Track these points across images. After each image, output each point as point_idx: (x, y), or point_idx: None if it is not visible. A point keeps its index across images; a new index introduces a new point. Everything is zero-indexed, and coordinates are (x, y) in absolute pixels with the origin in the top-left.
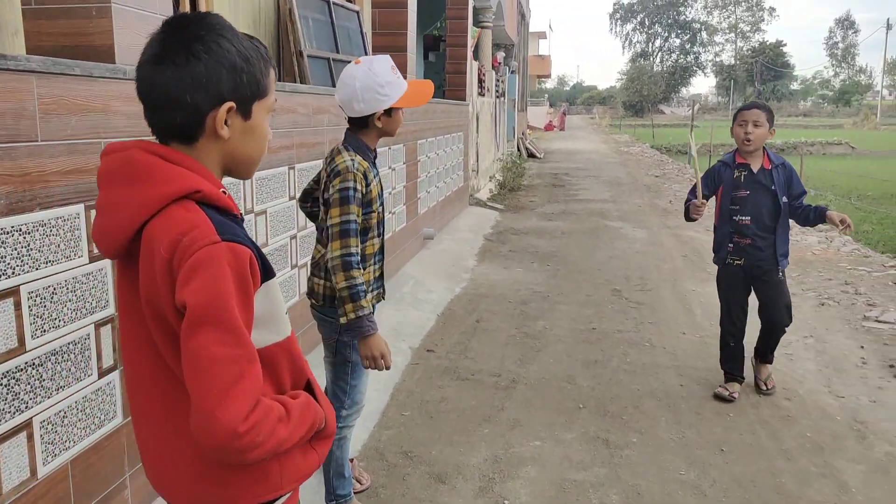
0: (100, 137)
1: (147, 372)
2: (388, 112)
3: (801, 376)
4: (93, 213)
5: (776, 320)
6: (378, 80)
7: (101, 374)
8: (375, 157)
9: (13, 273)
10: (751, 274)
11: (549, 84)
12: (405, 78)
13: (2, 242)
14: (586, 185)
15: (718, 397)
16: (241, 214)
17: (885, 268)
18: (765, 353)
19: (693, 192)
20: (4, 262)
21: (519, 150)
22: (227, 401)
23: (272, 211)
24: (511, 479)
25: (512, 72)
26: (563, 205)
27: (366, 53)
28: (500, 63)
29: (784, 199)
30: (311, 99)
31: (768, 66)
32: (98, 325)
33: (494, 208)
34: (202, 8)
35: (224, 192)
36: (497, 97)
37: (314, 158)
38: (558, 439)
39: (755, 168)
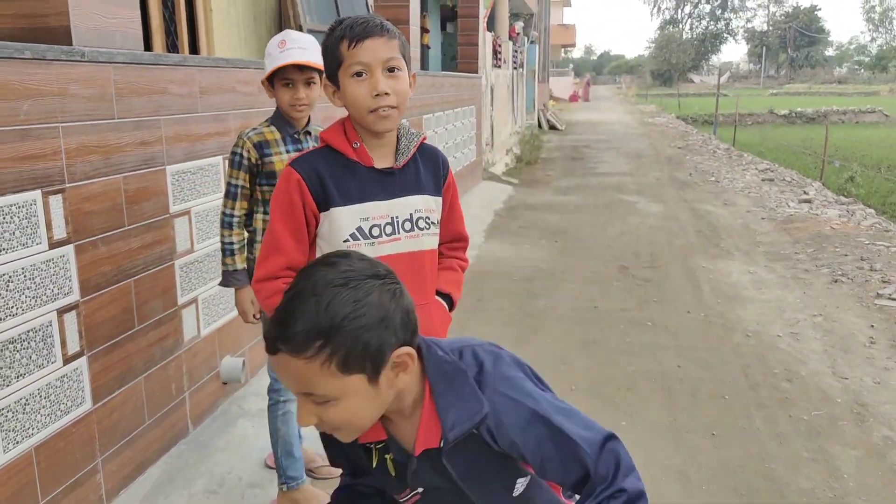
0: (57, 122)
1: None
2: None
3: (804, 357)
4: (52, 198)
5: None
6: (267, 49)
7: (67, 361)
8: (305, 133)
9: None
10: None
11: (575, 54)
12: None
13: None
14: (606, 157)
15: None
16: (352, 155)
17: None
18: None
19: None
20: None
21: (539, 122)
22: (257, 267)
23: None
24: None
25: (531, 42)
26: (579, 178)
27: None
28: (518, 33)
29: None
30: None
31: (802, 31)
32: (61, 311)
33: (509, 183)
34: None
35: (354, 145)
36: (515, 69)
37: None
38: None
39: None
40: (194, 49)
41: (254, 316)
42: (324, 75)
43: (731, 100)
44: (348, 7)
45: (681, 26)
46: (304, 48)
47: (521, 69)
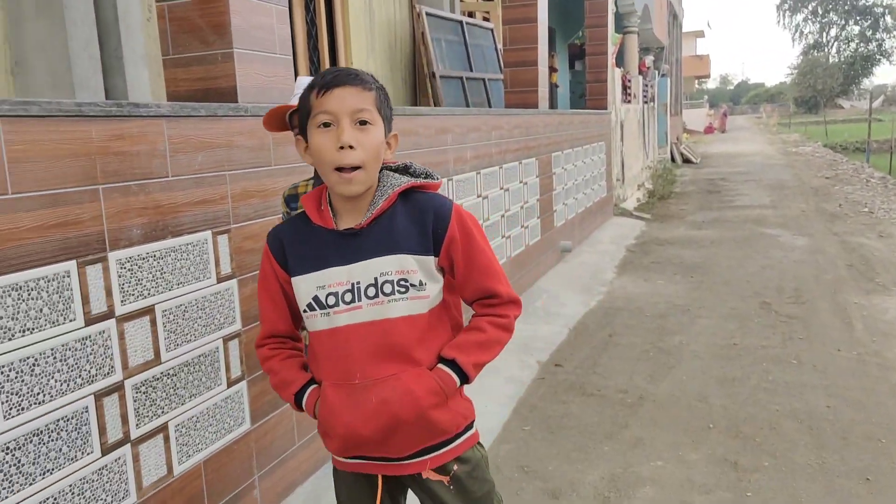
0: (224, 170)
1: None
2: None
3: None
4: (219, 238)
5: None
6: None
7: (230, 384)
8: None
9: (148, 294)
10: None
11: (710, 84)
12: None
13: (138, 267)
14: (745, 190)
15: None
16: (316, 221)
17: None
18: None
19: None
20: (141, 284)
21: (672, 156)
22: None
23: None
24: (627, 498)
25: (662, 75)
26: (715, 212)
27: (500, 70)
28: (648, 67)
29: None
30: (433, 120)
31: None
32: (226, 339)
33: (641, 218)
34: (340, 38)
35: (321, 207)
36: (645, 103)
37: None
38: (682, 460)
39: None
40: None
41: None
42: (296, 129)
43: (886, 125)
44: (479, 54)
45: (826, 50)
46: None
47: (651, 103)
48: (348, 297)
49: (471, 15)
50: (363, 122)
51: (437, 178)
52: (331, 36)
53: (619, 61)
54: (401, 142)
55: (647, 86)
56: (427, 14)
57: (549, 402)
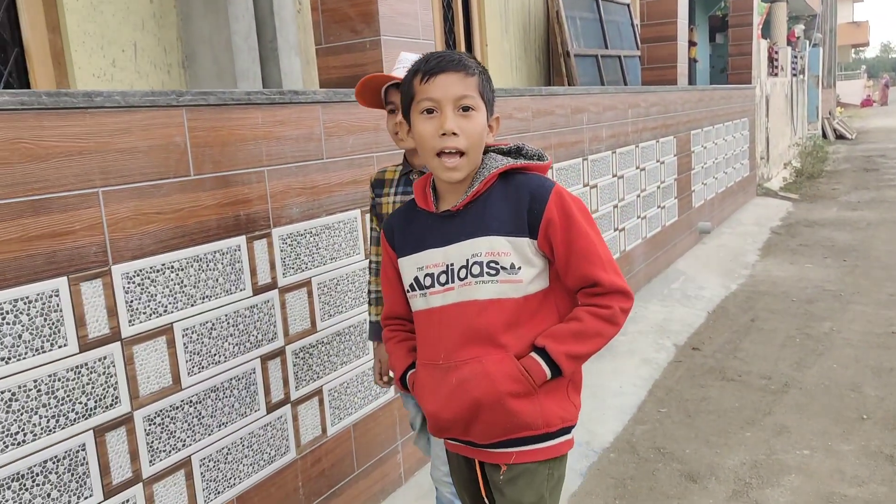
0: (371, 152)
1: None
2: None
3: None
4: (366, 215)
5: None
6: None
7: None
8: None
9: (306, 267)
10: None
11: (869, 53)
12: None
13: (297, 243)
14: None
15: None
16: (420, 205)
17: None
18: None
19: None
20: (300, 258)
21: (824, 132)
22: None
23: None
24: (770, 486)
25: (814, 45)
26: (872, 192)
27: (637, 46)
28: (797, 37)
29: None
30: (569, 100)
31: None
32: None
33: (787, 198)
34: (475, 24)
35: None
36: (794, 75)
37: (574, 157)
38: (831, 450)
39: None
40: None
41: (381, 378)
42: (390, 106)
43: None
44: (614, 30)
45: None
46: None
47: (801, 75)
48: (443, 278)
49: None
50: (466, 109)
51: (546, 160)
52: (466, 18)
53: (766, 32)
54: (536, 122)
55: (796, 57)
56: None
57: (686, 385)
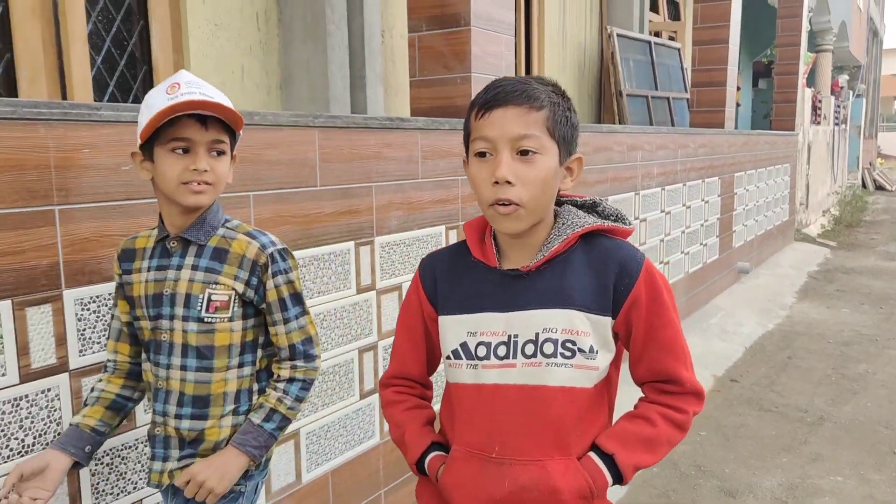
0: (456, 176)
1: None
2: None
3: None
4: (451, 232)
5: None
6: (143, 104)
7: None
8: (181, 241)
9: (398, 273)
10: None
11: None
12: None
13: (393, 251)
14: None
15: None
16: (476, 256)
17: None
18: None
19: None
20: (394, 265)
21: (863, 182)
22: None
23: None
24: None
25: (858, 95)
26: None
27: (685, 89)
28: (841, 87)
29: None
30: (625, 137)
31: None
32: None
33: (825, 245)
34: (535, 61)
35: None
36: (836, 124)
37: (627, 191)
38: (864, 478)
39: None
40: None
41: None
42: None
43: None
44: (664, 73)
45: None
46: (209, 95)
47: (843, 125)
48: (502, 350)
49: (657, 34)
50: (525, 152)
51: (629, 224)
52: (527, 55)
53: (810, 81)
54: (595, 157)
55: (839, 107)
56: (617, 35)
57: (724, 412)
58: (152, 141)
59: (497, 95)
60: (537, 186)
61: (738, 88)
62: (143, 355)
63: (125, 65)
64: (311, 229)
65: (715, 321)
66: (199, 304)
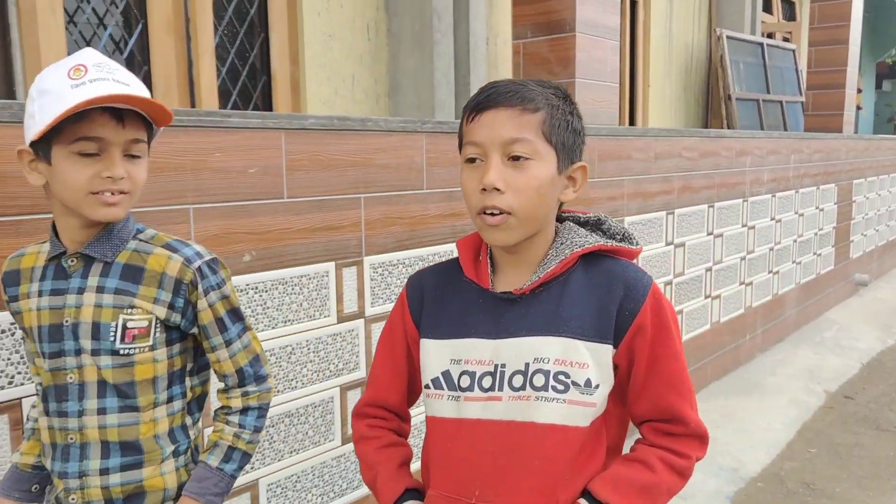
0: None
1: None
2: (46, 158)
3: None
4: None
5: None
6: (33, 89)
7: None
8: (81, 258)
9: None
10: None
11: None
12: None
13: (388, 273)
14: None
15: None
16: (468, 275)
17: None
18: None
19: None
20: (389, 289)
21: None
22: None
23: (690, 244)
24: None
25: None
26: None
27: (800, 92)
28: None
29: None
30: (733, 142)
31: None
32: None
33: None
34: (640, 65)
35: (479, 257)
36: None
37: (734, 198)
38: None
39: None
40: (632, 120)
41: None
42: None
43: None
44: (777, 75)
45: None
46: (125, 83)
47: None
48: (487, 381)
49: (770, 36)
50: (516, 158)
51: (637, 244)
52: (631, 58)
53: None
54: (702, 162)
55: None
56: (727, 37)
57: (837, 430)
58: (49, 138)
59: (489, 97)
60: (529, 194)
61: (859, 91)
62: (40, 408)
63: (246, 75)
64: (416, 230)
65: (829, 335)
66: (112, 333)
